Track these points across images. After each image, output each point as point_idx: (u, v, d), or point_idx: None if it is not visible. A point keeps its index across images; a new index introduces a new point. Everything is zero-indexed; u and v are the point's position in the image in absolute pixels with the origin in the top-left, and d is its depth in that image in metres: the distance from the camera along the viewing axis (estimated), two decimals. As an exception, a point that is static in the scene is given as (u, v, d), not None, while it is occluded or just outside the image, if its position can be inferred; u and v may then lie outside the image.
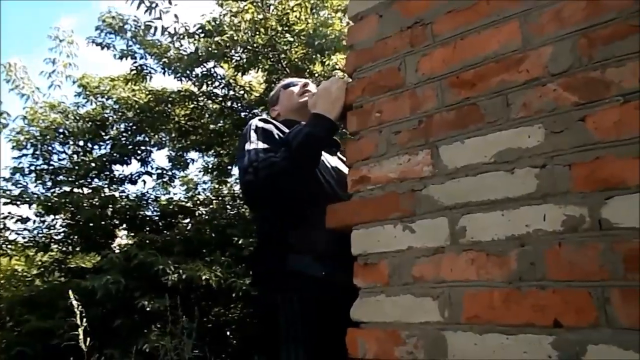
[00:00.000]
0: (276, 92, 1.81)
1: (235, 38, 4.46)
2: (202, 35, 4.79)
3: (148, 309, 4.26)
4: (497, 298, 0.92)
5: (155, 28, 4.59)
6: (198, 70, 5.25)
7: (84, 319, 3.05)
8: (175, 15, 4.84)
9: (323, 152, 1.50)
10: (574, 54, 0.93)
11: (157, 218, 6.75)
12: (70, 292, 3.27)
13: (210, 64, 5.29)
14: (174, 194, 7.64)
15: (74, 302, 3.11)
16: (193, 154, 7.35)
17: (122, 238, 6.81)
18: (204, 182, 8.55)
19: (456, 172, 1.03)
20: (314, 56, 5.44)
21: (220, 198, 6.94)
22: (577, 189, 0.88)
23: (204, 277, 4.32)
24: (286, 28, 4.85)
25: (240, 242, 4.99)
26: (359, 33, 1.31)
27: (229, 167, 7.20)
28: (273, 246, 1.46)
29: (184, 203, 7.00)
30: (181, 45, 5.32)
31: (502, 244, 0.94)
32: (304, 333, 1.31)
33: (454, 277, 0.99)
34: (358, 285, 1.14)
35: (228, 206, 6.68)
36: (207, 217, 6.33)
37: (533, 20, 1.00)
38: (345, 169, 1.53)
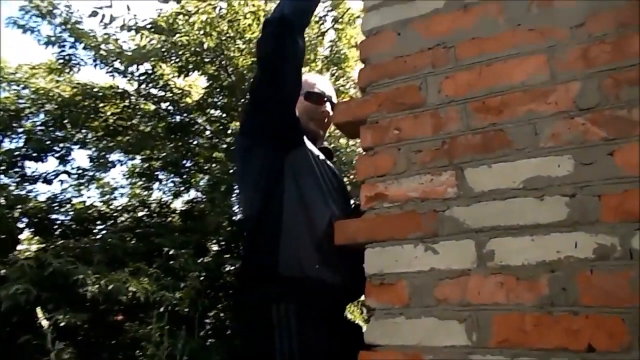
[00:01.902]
0: (302, 87, 1.57)
1: (187, 38, 4.25)
2: (152, 31, 4.51)
3: (62, 324, 3.82)
4: (528, 322, 0.93)
5: (103, 16, 4.23)
6: (139, 68, 4.92)
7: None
8: (128, 7, 4.52)
9: (317, 157, 1.45)
10: (600, 91, 0.99)
11: (70, 223, 6.16)
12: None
13: (152, 63, 4.99)
14: (88, 197, 7.06)
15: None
16: (117, 156, 6.86)
17: (23, 244, 6.12)
18: (122, 187, 8.01)
19: (483, 195, 1.04)
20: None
21: (146, 205, 6.51)
22: (607, 219, 0.92)
23: (130, 289, 3.98)
24: (237, 34, 4.74)
25: (170, 252, 4.70)
26: (375, 48, 1.29)
27: (158, 173, 6.81)
28: (259, 237, 1.33)
29: (103, 208, 6.47)
30: (120, 39, 4.99)
31: (533, 269, 0.96)
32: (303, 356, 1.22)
33: (481, 300, 0.98)
34: (371, 306, 1.10)
35: (155, 214, 6.29)
36: (131, 224, 5.90)
37: (560, 56, 1.05)
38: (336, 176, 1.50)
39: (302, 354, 1.21)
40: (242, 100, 6.08)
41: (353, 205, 1.58)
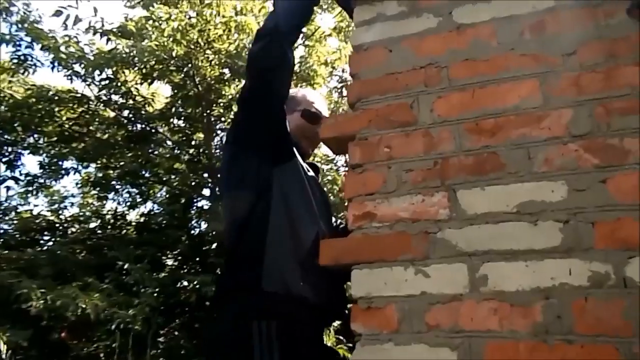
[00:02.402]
0: (300, 102, 1.55)
1: (156, 44, 4.12)
2: (120, 35, 4.34)
3: (2, 343, 3.51)
4: (522, 350, 0.91)
5: (67, 16, 4.02)
6: (101, 73, 4.71)
7: None
8: (95, 9, 4.33)
9: (306, 171, 1.40)
10: (592, 119, 1.00)
11: (15, 233, 5.76)
12: None
13: (115, 68, 4.80)
14: (35, 205, 6.65)
15: None
16: (70, 163, 6.52)
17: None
18: (73, 196, 7.63)
19: (476, 218, 1.02)
20: (229, 78, 5.30)
21: (99, 215, 6.18)
22: (600, 246, 0.92)
23: (80, 305, 3.72)
24: (207, 44, 4.64)
25: (125, 266, 4.46)
26: (365, 63, 1.27)
27: (114, 182, 6.51)
28: (243, 250, 1.26)
29: (52, 218, 6.11)
30: (82, 42, 4.76)
31: (527, 295, 0.94)
32: None
33: (474, 326, 0.95)
34: (357, 331, 1.05)
35: (109, 226, 5.98)
36: (82, 236, 5.57)
37: (552, 82, 1.06)
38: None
39: None
40: (208, 111, 5.96)
41: (337, 224, 1.53)
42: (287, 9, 1.37)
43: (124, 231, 5.83)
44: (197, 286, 4.77)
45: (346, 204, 1.18)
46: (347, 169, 1.22)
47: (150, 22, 4.36)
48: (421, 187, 1.09)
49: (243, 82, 5.55)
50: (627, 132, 0.97)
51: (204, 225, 6.60)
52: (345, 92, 7.52)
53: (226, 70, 5.13)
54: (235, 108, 6.22)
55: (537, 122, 1.05)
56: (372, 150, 1.17)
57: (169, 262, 5.98)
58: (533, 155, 1.03)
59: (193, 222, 6.61)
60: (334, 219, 1.59)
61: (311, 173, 1.46)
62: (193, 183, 5.86)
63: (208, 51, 4.70)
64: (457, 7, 1.21)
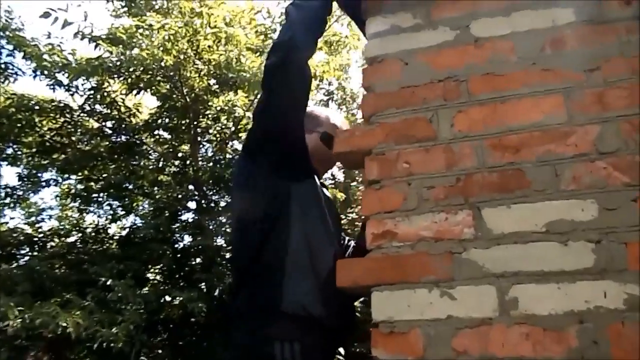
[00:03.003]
0: (321, 124, 1.48)
1: (147, 53, 4.03)
2: (109, 42, 4.24)
3: (-25, 364, 3.32)
4: (559, 379, 0.86)
5: (56, 19, 3.90)
6: (85, 82, 4.59)
7: None
8: (85, 14, 4.21)
9: (322, 191, 1.36)
10: (619, 136, 0.98)
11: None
12: None
13: (100, 78, 4.68)
14: (11, 218, 6.43)
15: None
16: (50, 175, 6.33)
17: None
18: (51, 209, 7.40)
19: (503, 237, 0.98)
20: (217, 89, 5.23)
21: (80, 229, 5.99)
22: (634, 267, 0.89)
23: (61, 324, 3.55)
24: (196, 54, 4.58)
25: (107, 282, 4.30)
26: (379, 76, 1.23)
27: (96, 195, 6.33)
28: (260, 270, 1.20)
29: (30, 231, 5.89)
30: (66, 50, 4.64)
31: (560, 319, 0.90)
32: None
33: (505, 352, 0.91)
34: (380, 357, 0.99)
35: (90, 240, 5.79)
36: (62, 250, 5.38)
37: (576, 99, 1.04)
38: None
39: None
40: (195, 122, 5.87)
41: (344, 242, 1.48)
42: (302, 20, 1.32)
43: (106, 245, 5.65)
44: (183, 302, 4.63)
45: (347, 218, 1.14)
46: (351, 184, 1.18)
47: (141, 30, 4.28)
48: (444, 205, 1.05)
49: (232, 93, 5.50)
50: (657, 150, 0.95)
51: (188, 239, 6.46)
52: (331, 105, 7.56)
53: (215, 82, 5.06)
54: (223, 119, 6.17)
55: (563, 138, 1.02)
56: (390, 166, 1.13)
57: (153, 277, 5.81)
58: (560, 173, 1.00)
59: (178, 235, 6.46)
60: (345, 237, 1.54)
61: (327, 192, 1.41)
62: (179, 196, 5.73)
63: (197, 62, 4.64)
64: (475, 21, 1.19)
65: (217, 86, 5.06)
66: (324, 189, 1.44)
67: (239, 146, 7.06)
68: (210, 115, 5.66)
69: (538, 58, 1.10)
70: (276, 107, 1.30)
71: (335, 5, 1.47)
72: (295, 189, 1.28)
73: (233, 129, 6.35)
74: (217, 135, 6.17)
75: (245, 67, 4.86)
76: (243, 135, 6.89)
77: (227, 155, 6.22)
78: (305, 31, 1.33)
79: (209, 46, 4.60)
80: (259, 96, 6.08)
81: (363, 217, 1.12)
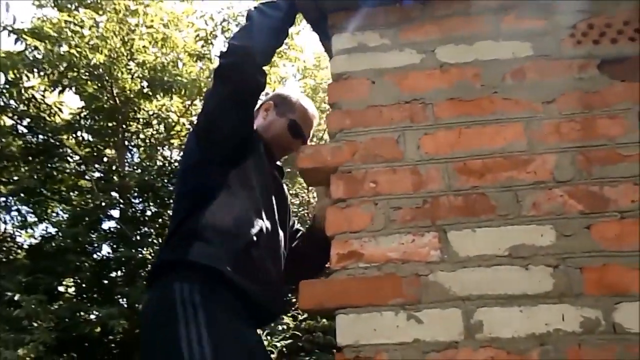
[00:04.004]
0: (293, 111, 1.49)
1: (78, 50, 3.72)
2: (33, 36, 3.85)
3: None
4: (523, 402, 0.88)
5: None
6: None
7: None
8: (7, 5, 3.79)
9: (263, 172, 1.36)
10: (574, 166, 1.04)
11: None
12: None
13: (17, 72, 4.24)
14: None
15: None
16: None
17: None
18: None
19: (468, 260, 1.00)
20: (150, 92, 4.97)
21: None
22: (589, 292, 0.93)
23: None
24: (129, 54, 4.31)
25: (15, 297, 3.86)
26: (346, 93, 1.21)
27: (4, 200, 5.71)
28: (182, 234, 1.22)
29: None
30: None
31: (523, 342, 0.92)
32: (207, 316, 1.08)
33: (472, 377, 0.91)
34: (344, 384, 0.95)
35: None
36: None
37: (535, 128, 1.09)
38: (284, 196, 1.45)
39: (208, 326, 1.06)
40: (124, 126, 5.53)
41: (292, 226, 1.51)
42: (265, 28, 1.27)
43: (13, 256, 5.09)
44: (101, 318, 4.27)
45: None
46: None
47: (72, 25, 3.94)
48: (411, 227, 1.05)
49: (167, 98, 5.26)
50: (606, 181, 1.02)
51: (108, 250, 6.02)
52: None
53: (148, 85, 4.80)
54: (155, 124, 5.87)
55: (524, 166, 1.06)
56: (357, 185, 1.11)
57: (66, 290, 5.32)
58: (521, 199, 1.03)
59: (97, 246, 5.99)
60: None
61: (278, 175, 1.45)
62: (103, 203, 5.32)
63: (130, 62, 4.37)
64: (440, 46, 1.21)
65: (150, 89, 4.80)
66: (277, 172, 1.47)
67: (170, 153, 6.76)
68: (141, 119, 5.36)
69: (500, 87, 1.15)
70: (222, 103, 1.28)
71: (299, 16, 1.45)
72: (235, 164, 1.29)
73: (165, 134, 6.06)
74: (147, 141, 5.85)
75: (182, 72, 4.67)
76: (175, 141, 6.62)
77: (158, 162, 5.91)
78: (266, 40, 1.29)
79: (144, 47, 4.36)
80: (195, 102, 5.89)
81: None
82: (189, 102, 5.80)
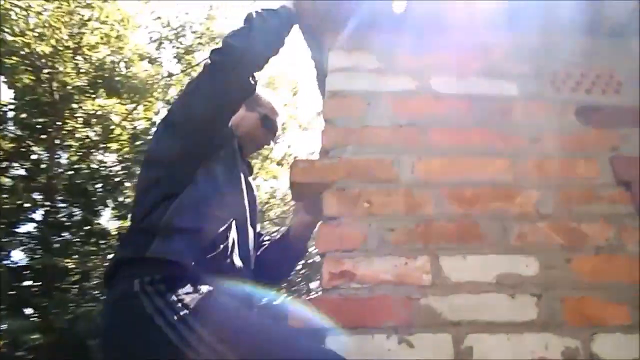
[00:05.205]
0: (263, 105, 1.46)
1: (19, 39, 3.42)
2: None
3: None
4: None
5: None
6: None
7: None
8: None
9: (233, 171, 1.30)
10: (556, 202, 1.11)
11: None
12: None
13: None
14: None
15: None
16: None
17: None
18: None
19: (459, 286, 1.01)
20: (94, 91, 4.69)
21: None
22: (570, 322, 0.98)
23: None
24: (77, 49, 4.03)
25: None
26: (342, 111, 1.22)
27: None
28: (144, 229, 1.12)
29: None
30: None
31: (511, 369, 0.94)
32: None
33: (462, 403, 0.91)
34: (332, 409, 0.91)
35: None
36: None
37: (521, 164, 1.15)
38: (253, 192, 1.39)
39: (184, 304, 0.96)
40: (59, 123, 5.13)
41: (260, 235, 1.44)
42: (264, 35, 1.24)
43: None
44: (11, 331, 3.83)
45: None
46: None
47: (18, 10, 3.62)
48: (404, 249, 1.05)
49: (114, 99, 4.97)
50: (584, 218, 1.09)
51: (22, 256, 5.47)
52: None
53: (93, 83, 4.52)
54: (95, 124, 5.50)
55: (511, 198, 1.11)
56: (351, 204, 1.10)
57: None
58: (508, 229, 1.08)
59: (9, 251, 5.43)
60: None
61: (247, 170, 1.39)
62: (25, 205, 4.85)
63: (79, 57, 4.10)
64: (435, 76, 1.26)
65: (95, 87, 4.52)
66: (247, 168, 1.42)
67: (105, 157, 6.36)
68: (79, 118, 5.01)
69: (490, 122, 1.20)
70: (209, 98, 1.21)
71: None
72: (208, 159, 1.22)
73: (102, 137, 5.71)
74: (83, 142, 5.46)
75: (133, 73, 4.46)
76: (113, 145, 6.24)
77: (92, 165, 5.51)
78: (264, 46, 1.26)
79: (97, 43, 4.12)
80: (140, 106, 5.63)
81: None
82: (132, 106, 5.53)
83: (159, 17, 4.98)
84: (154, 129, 1.44)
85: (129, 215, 1.27)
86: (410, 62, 1.28)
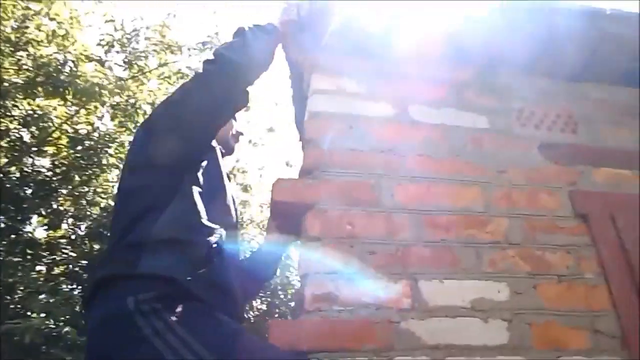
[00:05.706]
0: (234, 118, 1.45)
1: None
2: None
3: None
4: None
5: None
6: None
7: None
8: None
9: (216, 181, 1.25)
10: (523, 231, 1.18)
11: None
12: None
13: None
14: None
15: None
16: None
17: None
18: None
19: (437, 310, 1.04)
20: (34, 90, 4.39)
21: None
22: (537, 346, 1.04)
23: None
24: (19, 43, 3.76)
25: None
26: (324, 132, 1.23)
27: None
28: (129, 241, 1.04)
29: None
30: None
31: (485, 393, 0.97)
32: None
33: None
34: None
35: None
36: None
37: (491, 193, 1.22)
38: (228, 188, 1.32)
39: (181, 324, 0.91)
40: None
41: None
42: (256, 50, 1.23)
43: None
44: None
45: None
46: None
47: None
48: (385, 273, 1.07)
49: (56, 100, 4.68)
50: (548, 248, 1.16)
51: None
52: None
53: (34, 81, 4.23)
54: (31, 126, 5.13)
55: (482, 225, 1.17)
56: (333, 225, 1.11)
57: None
58: (480, 256, 1.13)
59: None
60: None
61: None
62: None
63: (21, 52, 3.83)
64: (412, 105, 1.31)
65: (36, 86, 4.23)
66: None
67: (39, 162, 5.93)
68: (17, 118, 4.66)
69: (462, 151, 1.27)
70: (200, 108, 1.16)
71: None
72: (191, 168, 1.17)
73: (39, 140, 5.33)
74: (16, 144, 5.06)
75: (79, 74, 4.23)
76: (50, 149, 5.83)
77: (24, 169, 5.10)
78: (258, 62, 1.26)
79: (40, 40, 3.87)
80: (81, 111, 5.33)
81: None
82: (75, 109, 5.23)
83: (111, 20, 4.78)
84: (131, 138, 1.34)
85: (108, 233, 1.14)
86: (390, 90, 1.32)
